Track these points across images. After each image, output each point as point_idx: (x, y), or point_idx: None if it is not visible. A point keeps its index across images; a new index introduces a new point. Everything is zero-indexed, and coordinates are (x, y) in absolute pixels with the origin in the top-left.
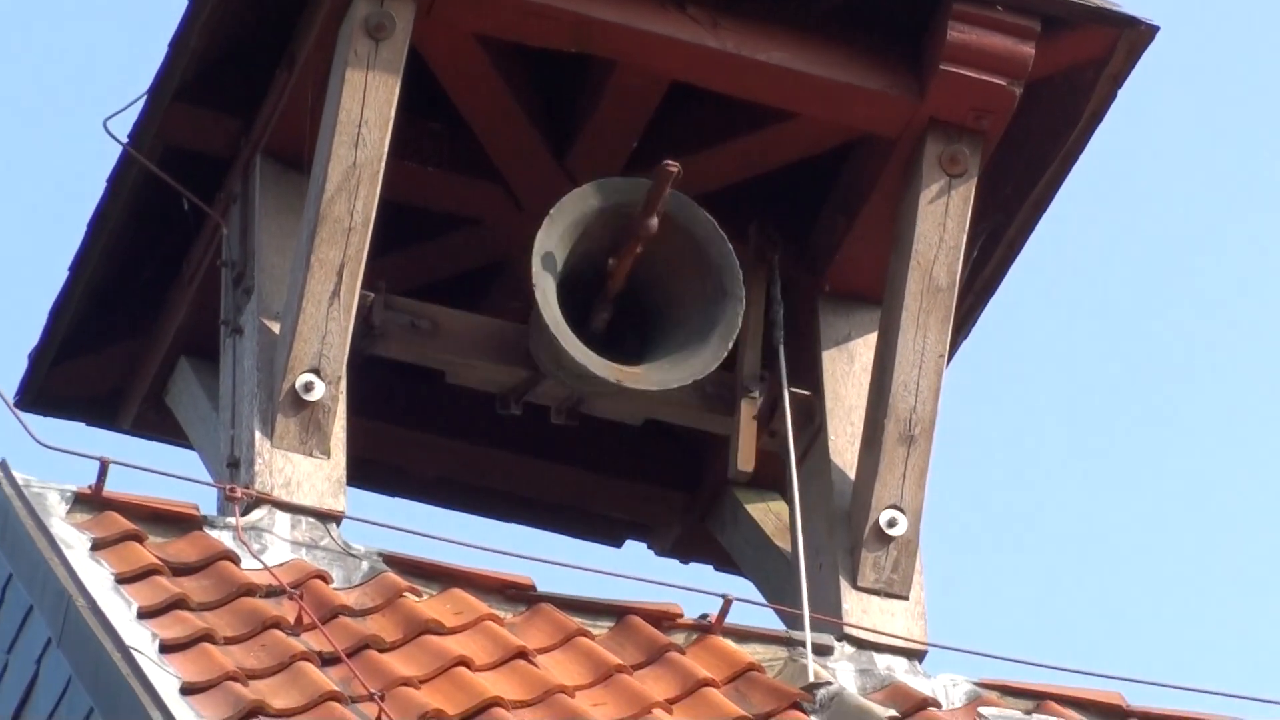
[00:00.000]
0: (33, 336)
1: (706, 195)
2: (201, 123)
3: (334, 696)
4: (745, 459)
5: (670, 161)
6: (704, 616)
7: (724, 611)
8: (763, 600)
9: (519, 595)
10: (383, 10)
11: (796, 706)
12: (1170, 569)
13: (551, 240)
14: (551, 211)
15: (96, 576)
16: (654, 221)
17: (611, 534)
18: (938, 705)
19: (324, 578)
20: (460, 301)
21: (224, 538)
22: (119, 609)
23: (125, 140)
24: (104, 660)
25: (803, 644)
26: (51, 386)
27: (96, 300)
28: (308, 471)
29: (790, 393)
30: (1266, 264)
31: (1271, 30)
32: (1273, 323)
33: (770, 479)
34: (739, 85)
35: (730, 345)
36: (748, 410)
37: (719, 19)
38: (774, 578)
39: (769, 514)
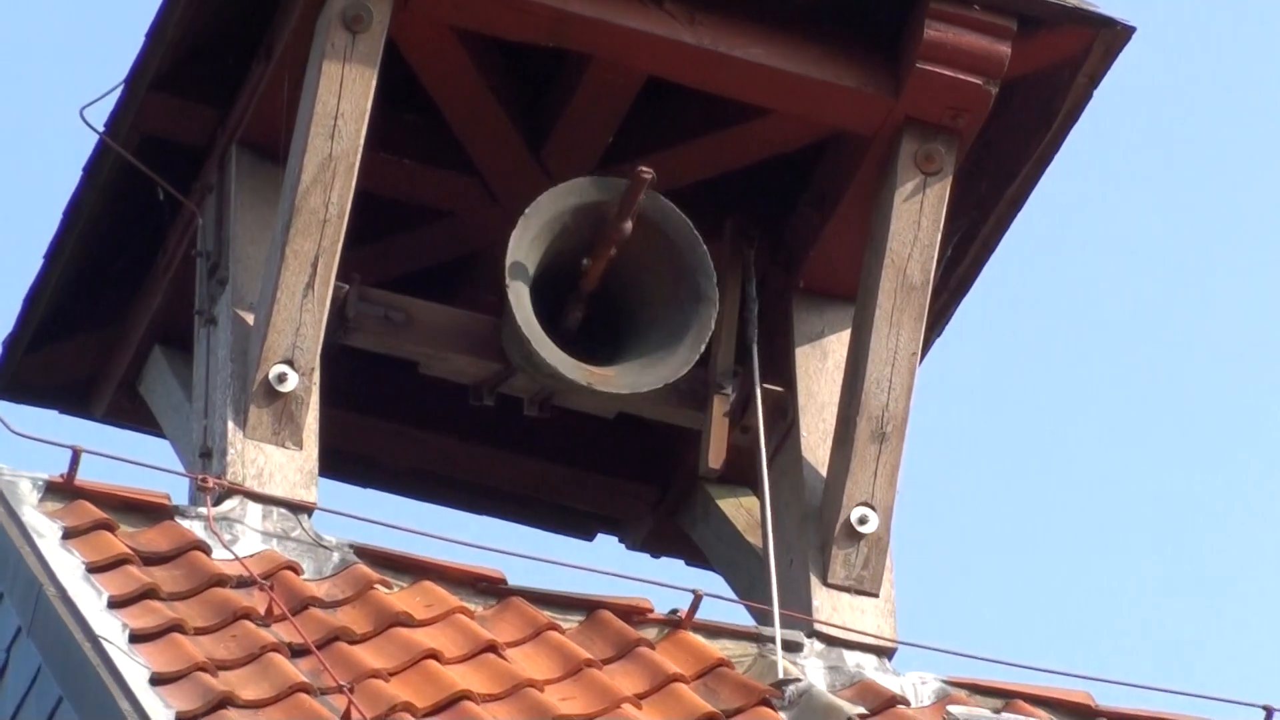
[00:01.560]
0: (6, 324)
1: (681, 190)
2: (178, 112)
3: (303, 688)
4: (715, 456)
5: (644, 168)
6: (674, 612)
7: (694, 607)
8: (733, 596)
9: (490, 588)
10: (360, 2)
11: (765, 703)
12: (1139, 568)
13: (525, 239)
14: (526, 210)
15: (67, 565)
16: (628, 225)
17: (583, 528)
18: (906, 703)
19: (295, 569)
20: (434, 294)
21: (195, 528)
22: (89, 598)
23: (102, 129)
24: (73, 649)
25: (773, 640)
26: (24, 374)
27: (71, 288)
28: (280, 462)
29: (763, 389)
30: (1242, 261)
31: (1247, 31)
32: (1246, 320)
33: (742, 474)
34: (715, 81)
35: (703, 348)
36: (719, 406)
37: (695, 14)
38: (745, 573)
39: (740, 509)
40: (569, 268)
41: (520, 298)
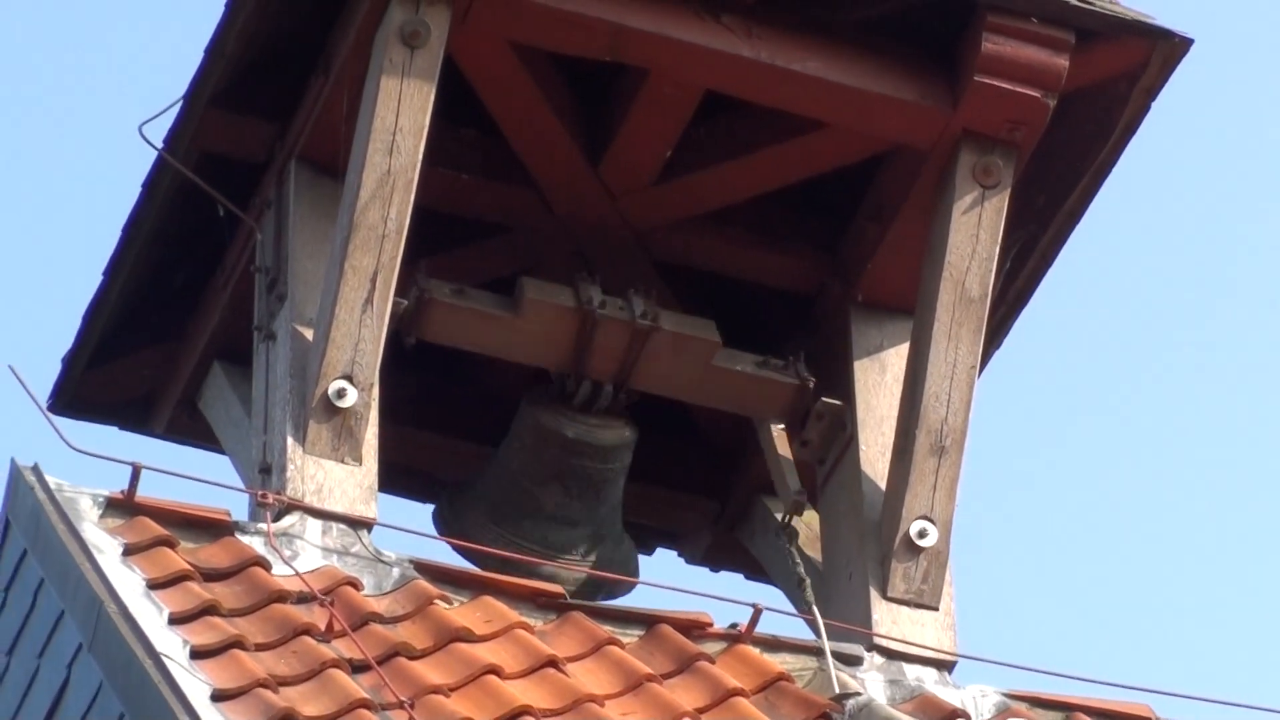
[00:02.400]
0: (67, 340)
1: (741, 204)
2: (237, 128)
3: (364, 704)
4: (792, 478)
5: None
6: (734, 626)
7: (754, 621)
8: (793, 610)
9: (549, 603)
10: (418, 18)
11: (826, 717)
12: (1201, 581)
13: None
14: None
15: (128, 582)
16: None
17: (642, 541)
18: (967, 716)
19: (355, 584)
20: None
21: (255, 543)
22: (150, 615)
23: (161, 145)
24: (135, 666)
25: (832, 654)
26: (85, 390)
27: (130, 305)
28: (339, 478)
29: (823, 403)
30: None
31: None
32: None
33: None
34: (772, 95)
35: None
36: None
37: (753, 28)
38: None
39: (799, 523)
40: None
41: None
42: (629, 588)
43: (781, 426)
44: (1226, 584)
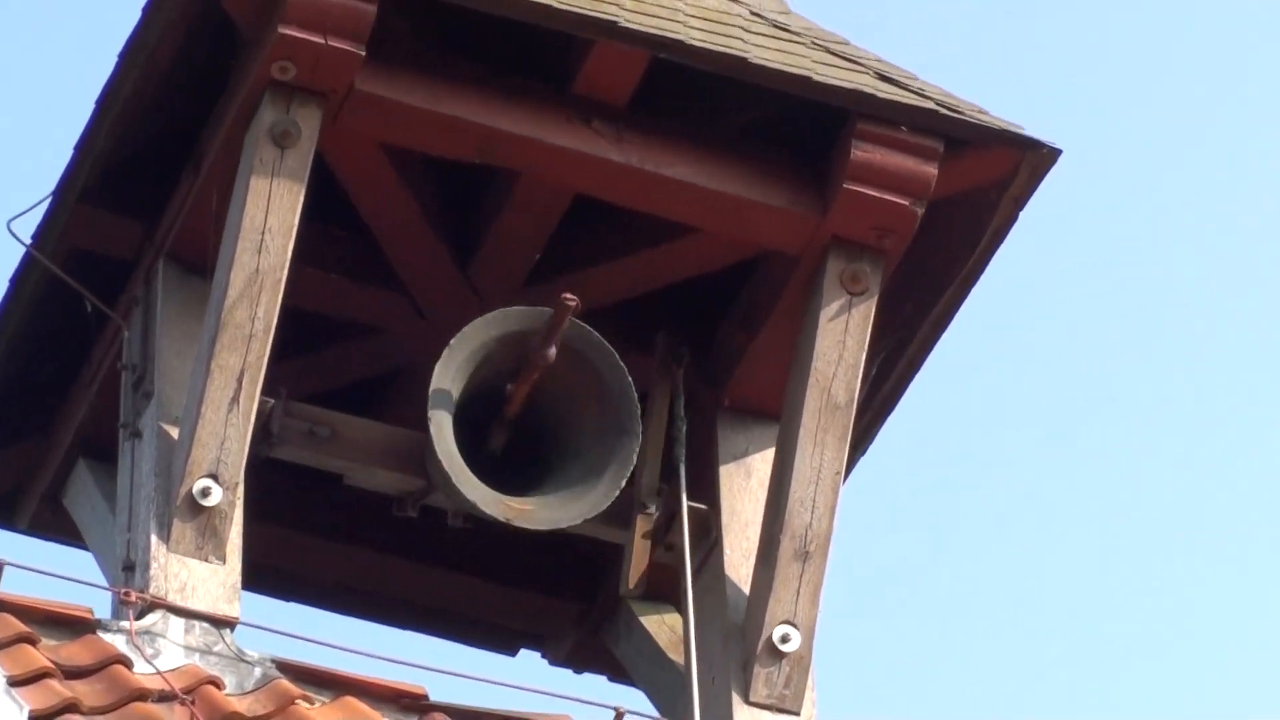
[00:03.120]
0: None
1: (608, 308)
2: (105, 225)
3: None
4: (634, 577)
5: (569, 295)
6: None
7: None
8: (655, 713)
9: (412, 704)
10: (289, 118)
11: None
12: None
13: (450, 368)
14: (451, 342)
15: None
16: (552, 351)
17: (506, 643)
18: None
19: (217, 684)
20: (360, 409)
21: (118, 642)
22: (11, 712)
23: (29, 241)
24: None
25: None
26: None
27: None
28: (203, 577)
29: (687, 506)
30: (1166, 383)
31: (1174, 152)
32: (1174, 442)
33: (666, 592)
34: (642, 199)
35: (622, 485)
36: (642, 526)
37: (623, 133)
38: (667, 690)
39: (663, 626)
40: (493, 395)
41: (442, 429)
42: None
43: (644, 526)
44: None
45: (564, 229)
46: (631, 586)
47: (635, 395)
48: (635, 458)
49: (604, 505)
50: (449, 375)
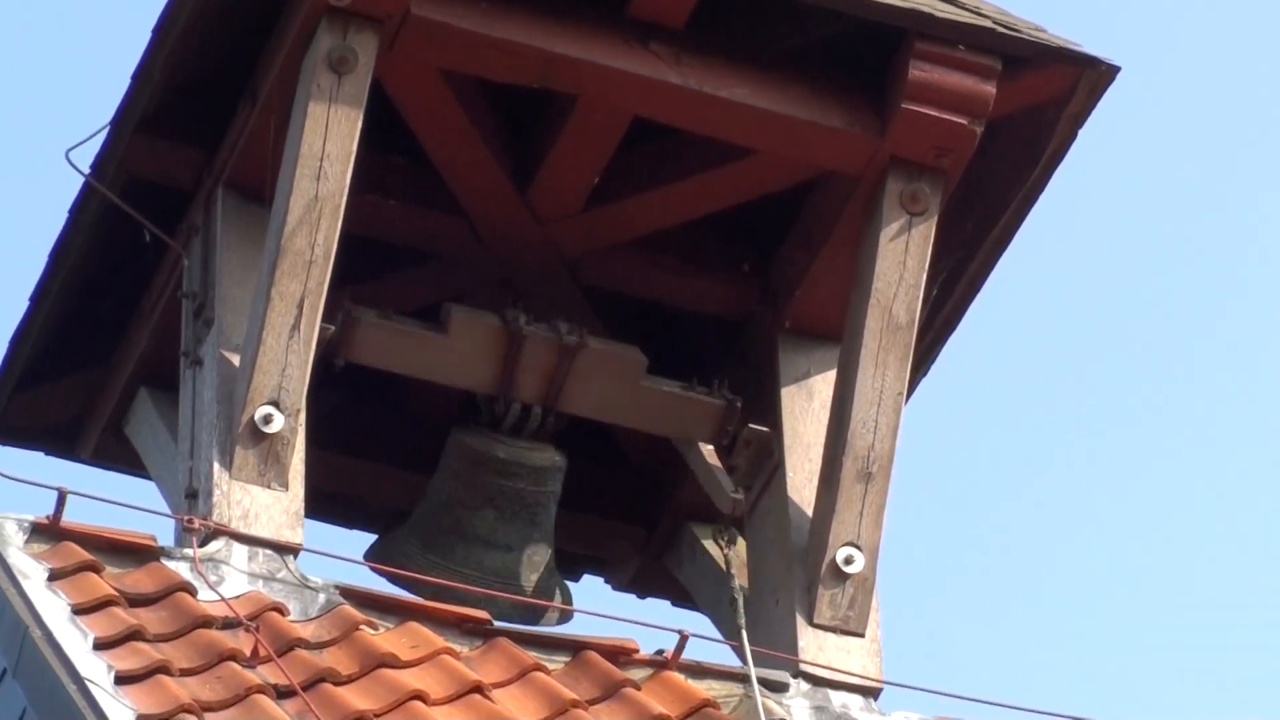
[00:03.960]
0: None
1: (668, 230)
2: (164, 154)
3: None
4: (728, 496)
5: None
6: (660, 652)
7: (680, 647)
8: (719, 636)
9: (475, 629)
10: (345, 44)
11: None
12: (1130, 607)
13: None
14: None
15: (53, 607)
16: None
17: (569, 568)
18: None
19: (280, 610)
20: None
21: (181, 569)
22: (75, 640)
23: (87, 171)
24: (59, 691)
25: (759, 680)
26: (11, 415)
27: (57, 330)
28: (265, 504)
29: (750, 429)
30: (1228, 299)
31: (1231, 71)
32: (1243, 359)
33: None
34: (700, 121)
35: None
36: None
37: (681, 55)
38: (731, 613)
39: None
40: None
41: None
42: (565, 617)
43: (710, 447)
44: (1154, 610)
45: (622, 152)
46: (735, 498)
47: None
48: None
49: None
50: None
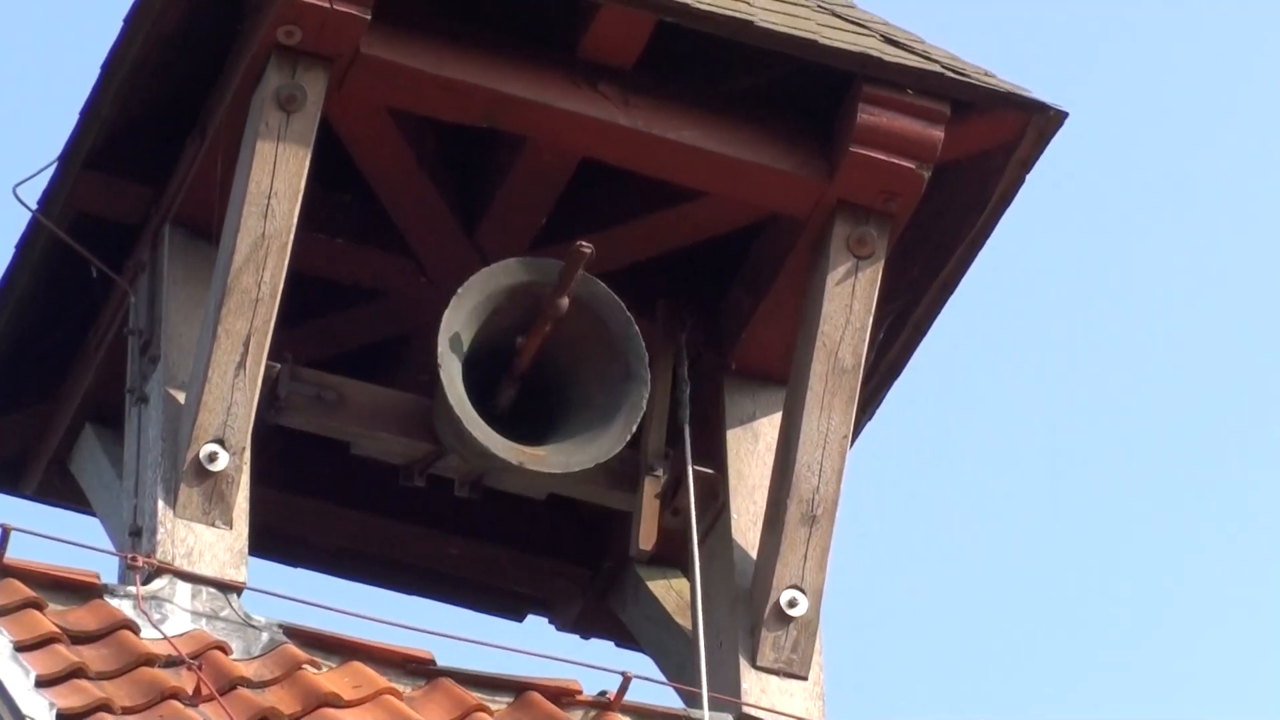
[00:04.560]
0: None
1: (615, 272)
2: (112, 190)
3: None
4: (646, 537)
5: (584, 243)
6: (603, 693)
7: (623, 689)
8: (662, 678)
9: (419, 669)
10: (294, 82)
11: None
12: (1070, 650)
13: (459, 319)
14: (460, 290)
15: None
16: (564, 301)
17: (513, 608)
18: None
19: (224, 649)
20: (367, 374)
21: (124, 607)
22: (17, 677)
23: (35, 207)
24: None
25: None
26: None
27: (2, 366)
28: (210, 541)
29: (694, 471)
30: (1170, 347)
31: (1179, 116)
32: (1193, 395)
33: (673, 556)
34: (648, 163)
35: (634, 429)
36: (650, 489)
37: (630, 97)
38: (674, 655)
39: (670, 591)
40: (501, 348)
41: (452, 377)
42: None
43: (652, 488)
44: (1098, 650)
45: (570, 193)
46: (643, 547)
47: (642, 343)
48: (645, 403)
49: (617, 449)
50: (456, 326)
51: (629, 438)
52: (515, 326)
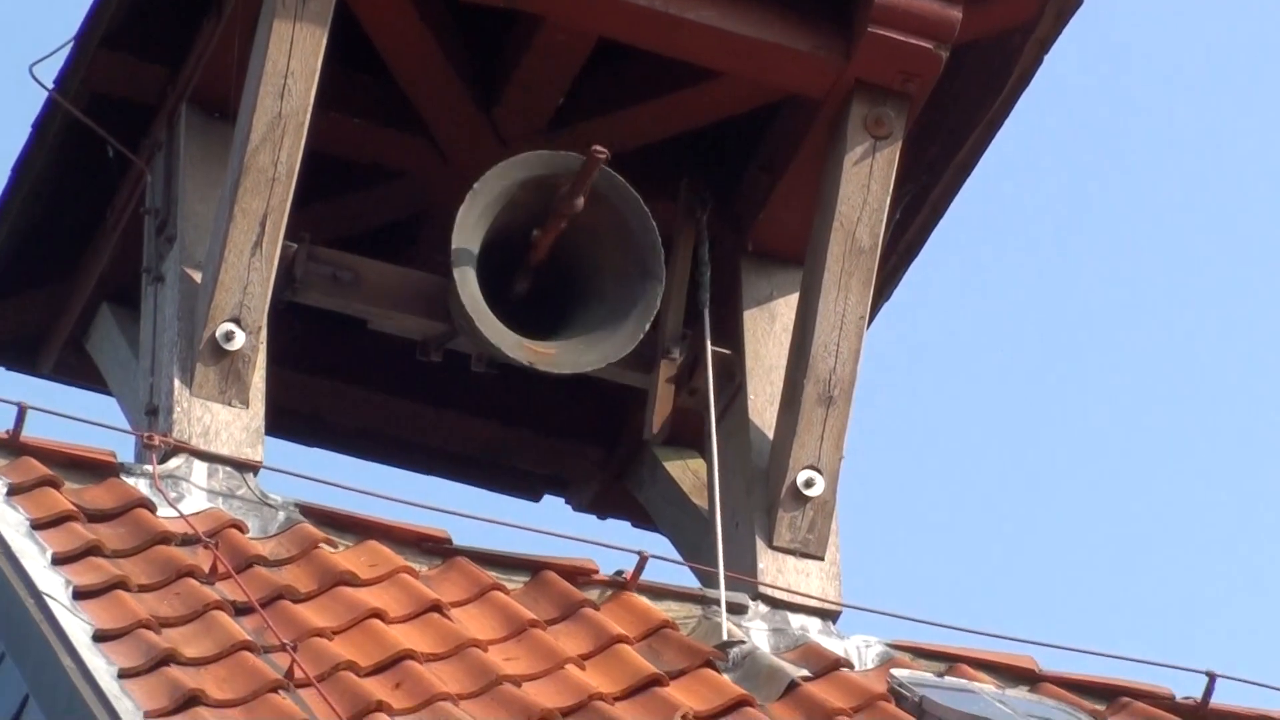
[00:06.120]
0: None
1: (632, 152)
2: (128, 70)
3: (246, 646)
4: (659, 421)
5: (599, 148)
6: (619, 573)
7: (639, 568)
8: (679, 558)
9: (435, 548)
10: None
11: (709, 665)
12: (1084, 532)
13: (474, 211)
14: (475, 185)
15: (11, 521)
16: (580, 202)
17: (529, 488)
18: (850, 666)
19: (240, 527)
20: (384, 253)
21: (140, 485)
22: (33, 555)
23: (51, 86)
24: (16, 605)
25: (717, 602)
26: None
27: (19, 245)
28: (226, 421)
29: (712, 351)
30: (1189, 230)
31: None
32: (1197, 289)
33: (689, 437)
34: (666, 43)
35: (647, 326)
36: (665, 371)
37: None
38: (690, 535)
39: (687, 472)
40: (518, 239)
41: (465, 272)
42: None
43: (669, 369)
44: (1111, 538)
45: (587, 73)
46: (655, 431)
47: (659, 240)
48: (659, 301)
49: (627, 349)
50: (473, 218)
51: (642, 335)
52: (531, 219)
